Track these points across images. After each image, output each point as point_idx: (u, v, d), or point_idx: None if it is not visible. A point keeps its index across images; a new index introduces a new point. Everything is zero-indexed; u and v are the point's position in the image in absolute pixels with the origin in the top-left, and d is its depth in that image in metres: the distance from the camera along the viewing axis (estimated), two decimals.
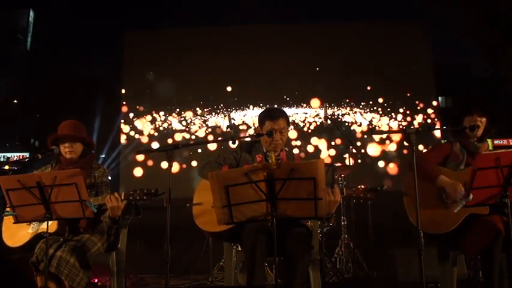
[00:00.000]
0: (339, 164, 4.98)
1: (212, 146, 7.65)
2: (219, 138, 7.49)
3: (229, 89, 7.96)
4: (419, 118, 7.76)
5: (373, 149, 7.57)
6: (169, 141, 7.77)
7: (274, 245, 2.16)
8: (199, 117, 7.94)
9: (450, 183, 2.70)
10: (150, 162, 7.63)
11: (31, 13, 26.53)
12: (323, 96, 7.80)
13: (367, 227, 4.68)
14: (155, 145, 7.71)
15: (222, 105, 7.93)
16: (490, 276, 2.53)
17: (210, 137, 7.86)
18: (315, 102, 7.85)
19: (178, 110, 7.96)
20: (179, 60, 8.04)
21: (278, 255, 2.27)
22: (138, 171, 7.67)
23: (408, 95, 7.84)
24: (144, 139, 7.87)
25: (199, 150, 7.65)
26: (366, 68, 7.83)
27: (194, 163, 7.52)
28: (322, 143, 7.67)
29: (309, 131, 7.77)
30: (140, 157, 7.51)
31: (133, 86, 8.06)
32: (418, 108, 7.79)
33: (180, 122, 7.93)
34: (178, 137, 7.87)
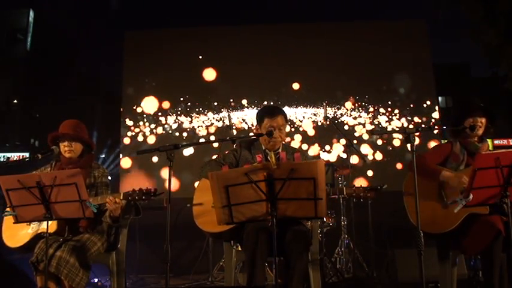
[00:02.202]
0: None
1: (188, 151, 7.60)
2: (211, 137, 7.48)
3: (230, 88, 7.95)
4: (419, 118, 7.76)
5: (371, 149, 7.58)
6: (170, 141, 7.76)
7: (274, 245, 2.16)
8: (199, 116, 7.93)
9: (454, 176, 2.72)
10: (150, 162, 7.63)
11: (31, 13, 26.50)
12: (322, 96, 7.80)
13: (367, 227, 4.68)
14: (155, 145, 7.69)
15: (224, 104, 7.92)
16: (490, 276, 2.53)
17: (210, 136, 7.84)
18: (295, 85, 7.85)
19: (178, 109, 7.96)
20: (180, 60, 8.03)
21: (278, 255, 2.27)
22: (138, 171, 7.67)
23: (408, 95, 7.83)
24: (144, 139, 7.86)
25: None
26: (366, 67, 7.82)
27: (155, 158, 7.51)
28: (321, 144, 7.67)
29: (308, 131, 7.76)
30: (140, 157, 7.50)
31: (133, 86, 8.06)
32: (418, 108, 7.78)
33: (181, 121, 7.92)
34: (178, 136, 7.86)
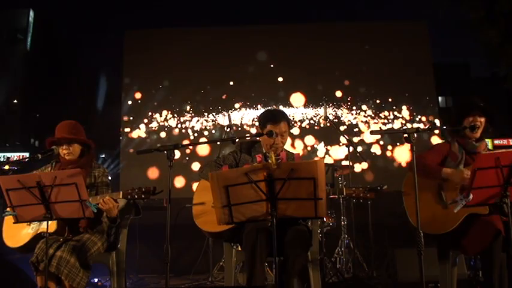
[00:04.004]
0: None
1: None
2: (202, 138, 7.49)
3: (230, 88, 7.96)
4: (419, 118, 7.76)
5: (375, 149, 7.60)
6: (170, 140, 7.76)
7: (274, 244, 2.16)
8: (199, 116, 7.93)
9: (456, 172, 2.72)
10: (150, 162, 7.63)
11: (31, 13, 26.50)
12: (322, 96, 7.80)
13: (367, 227, 4.68)
14: (155, 145, 7.69)
15: (222, 104, 7.93)
16: (490, 276, 2.53)
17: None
18: (296, 85, 7.83)
19: (178, 109, 7.96)
20: (179, 60, 8.04)
21: (278, 255, 2.27)
22: (138, 171, 7.67)
23: (408, 95, 7.84)
24: (144, 139, 7.87)
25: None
26: (366, 68, 7.83)
27: None
28: (321, 143, 7.67)
29: (308, 131, 7.76)
30: (140, 157, 7.50)
31: (133, 85, 8.06)
32: (418, 108, 7.78)
33: (181, 121, 7.93)
34: (178, 136, 7.86)
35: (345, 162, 7.07)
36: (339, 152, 7.50)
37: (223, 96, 7.93)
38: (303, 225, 2.79)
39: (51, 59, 24.87)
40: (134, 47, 8.22)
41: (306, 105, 7.84)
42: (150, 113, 7.94)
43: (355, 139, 7.58)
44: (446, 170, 2.77)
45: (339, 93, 7.86)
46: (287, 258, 2.54)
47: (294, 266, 2.51)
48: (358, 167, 7.24)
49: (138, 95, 8.01)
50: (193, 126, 7.90)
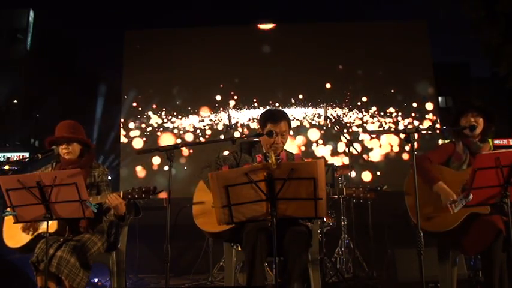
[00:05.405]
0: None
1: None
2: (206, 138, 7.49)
3: (229, 88, 7.96)
4: (419, 118, 7.76)
5: (377, 150, 7.60)
6: (170, 140, 7.76)
7: (274, 245, 2.16)
8: (199, 116, 7.94)
9: (445, 193, 2.68)
10: (150, 162, 7.63)
11: (31, 13, 26.48)
12: (322, 97, 7.80)
13: (367, 227, 4.68)
14: (155, 145, 7.69)
15: (222, 104, 7.93)
16: (490, 276, 2.53)
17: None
18: (295, 84, 7.80)
19: (178, 109, 7.96)
20: (179, 60, 8.04)
21: (278, 255, 2.27)
22: (138, 171, 7.67)
23: (408, 95, 7.84)
24: (144, 139, 7.87)
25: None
26: (366, 68, 7.84)
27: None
28: (321, 144, 7.68)
29: (308, 131, 7.77)
30: (140, 157, 7.50)
31: (133, 86, 8.07)
32: (418, 107, 7.79)
33: (180, 121, 7.93)
34: (178, 136, 7.87)
35: (345, 161, 7.08)
36: (342, 159, 7.48)
37: (225, 95, 7.94)
38: (302, 226, 2.78)
39: (51, 59, 24.83)
40: (134, 48, 8.23)
41: (306, 105, 7.84)
42: (149, 113, 7.94)
43: (364, 139, 7.57)
44: (440, 186, 2.71)
45: (338, 93, 7.86)
46: (287, 260, 2.54)
47: (294, 267, 2.51)
48: (368, 176, 7.27)
49: (138, 96, 8.01)
50: (191, 124, 7.90)
